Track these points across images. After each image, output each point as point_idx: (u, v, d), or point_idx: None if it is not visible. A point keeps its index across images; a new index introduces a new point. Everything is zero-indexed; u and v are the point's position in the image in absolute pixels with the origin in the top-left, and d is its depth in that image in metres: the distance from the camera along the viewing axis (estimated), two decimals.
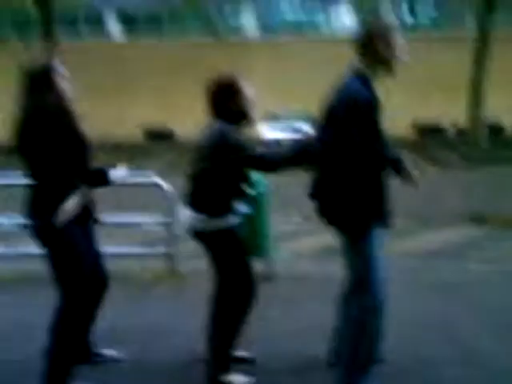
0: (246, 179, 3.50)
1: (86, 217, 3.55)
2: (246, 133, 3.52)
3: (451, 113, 24.69)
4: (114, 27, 27.82)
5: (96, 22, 27.40)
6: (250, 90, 3.49)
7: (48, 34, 21.41)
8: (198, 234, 3.48)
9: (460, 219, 8.74)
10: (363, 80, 3.17)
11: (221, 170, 3.38)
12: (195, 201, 3.45)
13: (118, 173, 3.67)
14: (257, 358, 3.82)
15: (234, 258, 3.49)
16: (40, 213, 3.38)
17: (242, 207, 3.51)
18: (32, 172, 3.40)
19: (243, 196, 3.49)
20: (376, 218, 3.19)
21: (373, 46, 3.17)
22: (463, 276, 5.77)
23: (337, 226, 3.28)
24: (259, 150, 3.40)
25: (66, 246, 3.40)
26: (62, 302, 3.45)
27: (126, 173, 3.71)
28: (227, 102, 3.44)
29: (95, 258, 3.63)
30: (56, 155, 3.33)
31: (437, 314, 4.67)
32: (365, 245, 3.21)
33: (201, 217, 3.42)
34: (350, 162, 3.12)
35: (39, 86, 3.41)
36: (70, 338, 3.45)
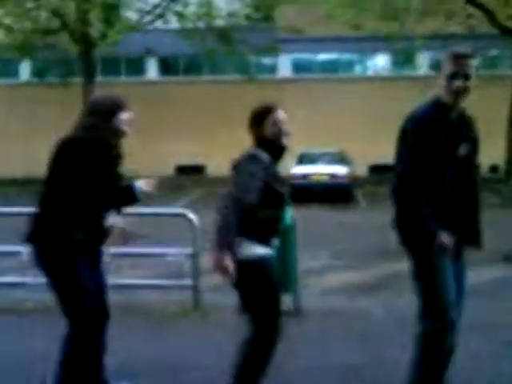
0: (278, 211, 3.43)
1: (98, 244, 3.51)
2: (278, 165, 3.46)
3: (490, 153, 24.40)
4: (152, 68, 28.42)
5: (135, 63, 28.06)
6: (283, 118, 3.45)
7: (89, 77, 22.08)
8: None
9: (494, 258, 8.53)
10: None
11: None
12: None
13: (143, 183, 3.60)
14: None
15: (260, 291, 3.38)
16: (46, 242, 3.35)
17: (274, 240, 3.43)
18: (45, 200, 3.38)
19: (274, 227, 3.41)
20: (443, 244, 3.23)
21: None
22: (499, 315, 5.56)
23: (407, 249, 3.36)
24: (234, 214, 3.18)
25: (69, 276, 3.36)
26: (69, 332, 3.41)
27: (156, 183, 3.64)
28: (258, 128, 3.42)
29: (100, 287, 3.56)
30: (77, 186, 3.31)
31: (477, 355, 4.46)
32: (432, 269, 3.27)
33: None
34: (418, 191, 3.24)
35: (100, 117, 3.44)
36: (81, 370, 3.38)
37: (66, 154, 3.38)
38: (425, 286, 3.32)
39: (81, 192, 3.32)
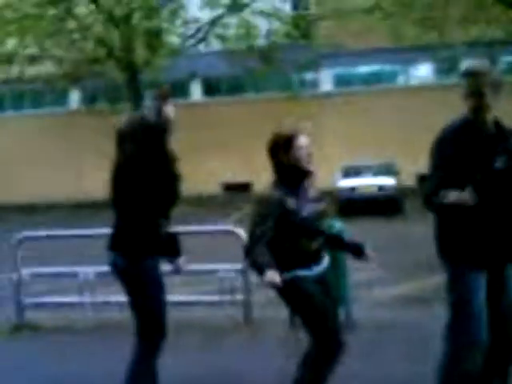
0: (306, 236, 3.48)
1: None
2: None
3: None
4: (196, 90, 28.88)
5: (180, 87, 28.60)
6: (305, 142, 3.46)
7: (136, 102, 22.61)
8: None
9: None
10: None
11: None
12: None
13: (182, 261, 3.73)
14: None
15: (302, 309, 3.48)
16: (127, 254, 3.50)
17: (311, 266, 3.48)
18: (121, 216, 3.54)
19: (304, 252, 3.46)
20: (472, 257, 3.24)
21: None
22: None
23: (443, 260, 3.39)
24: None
25: (148, 287, 3.50)
26: (139, 350, 3.52)
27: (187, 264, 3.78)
28: (278, 156, 3.47)
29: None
30: (145, 200, 3.46)
31: None
32: (460, 282, 3.26)
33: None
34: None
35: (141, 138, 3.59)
36: None
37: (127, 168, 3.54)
38: (455, 300, 3.31)
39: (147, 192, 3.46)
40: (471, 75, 3.26)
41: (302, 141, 3.46)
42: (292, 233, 3.43)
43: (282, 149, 3.45)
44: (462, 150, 3.22)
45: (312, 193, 3.55)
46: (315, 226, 3.52)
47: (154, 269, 3.53)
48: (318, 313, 3.46)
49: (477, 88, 3.23)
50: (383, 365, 4.55)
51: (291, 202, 3.41)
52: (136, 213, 3.47)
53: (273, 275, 3.18)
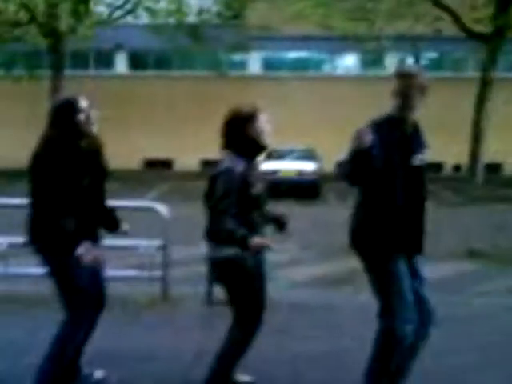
0: (257, 209, 3.54)
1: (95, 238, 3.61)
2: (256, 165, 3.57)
3: (453, 152, 24.77)
4: (122, 63, 28.25)
5: (104, 58, 27.86)
6: (265, 120, 3.55)
7: (58, 70, 21.85)
8: (212, 264, 3.58)
9: (458, 254, 8.76)
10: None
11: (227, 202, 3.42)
12: (207, 230, 3.53)
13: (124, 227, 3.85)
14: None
15: (242, 287, 3.53)
16: (42, 236, 3.45)
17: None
18: (35, 198, 3.46)
19: (254, 226, 3.51)
20: (396, 245, 3.41)
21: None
22: (463, 309, 5.76)
23: (360, 253, 3.51)
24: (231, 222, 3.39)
25: (68, 261, 3.45)
26: (66, 323, 3.51)
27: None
28: (241, 130, 3.50)
29: (99, 277, 3.68)
30: (59, 188, 3.39)
31: (438, 348, 4.63)
32: (387, 271, 3.42)
33: (210, 245, 3.49)
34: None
35: (58, 120, 3.51)
36: (65, 358, 3.47)
37: (41, 162, 3.46)
38: (384, 288, 3.48)
39: (65, 187, 3.41)
40: (402, 76, 3.44)
41: (264, 117, 3.56)
42: (248, 206, 3.46)
43: (245, 122, 3.49)
44: (383, 144, 3.36)
45: (259, 168, 3.64)
46: (265, 199, 3.61)
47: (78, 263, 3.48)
48: (254, 289, 3.55)
49: (406, 89, 3.42)
50: (298, 344, 4.65)
51: (250, 175, 3.46)
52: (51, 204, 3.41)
53: (261, 240, 3.34)
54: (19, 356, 4.19)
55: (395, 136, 3.42)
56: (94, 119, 3.59)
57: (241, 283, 3.51)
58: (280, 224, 3.74)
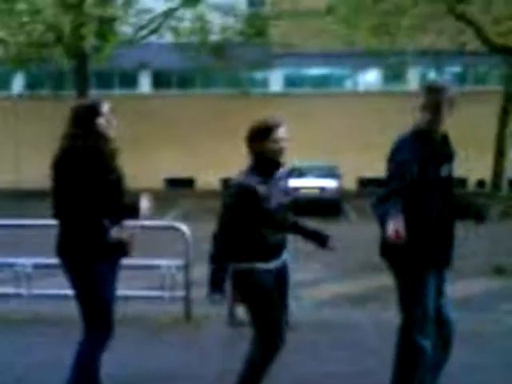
0: (272, 227, 3.50)
1: (117, 254, 3.58)
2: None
3: (478, 168, 24.49)
4: (145, 82, 28.54)
5: (129, 78, 28.18)
6: (284, 136, 3.51)
7: (83, 90, 22.11)
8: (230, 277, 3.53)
9: (484, 271, 8.66)
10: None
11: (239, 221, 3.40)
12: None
13: (144, 205, 3.70)
14: None
15: (253, 302, 3.48)
16: (69, 251, 3.44)
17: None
18: (59, 211, 3.44)
19: (266, 243, 3.48)
20: (429, 259, 3.42)
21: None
22: (491, 327, 5.65)
23: (391, 264, 3.52)
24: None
25: (94, 283, 3.44)
26: (86, 338, 3.49)
27: (151, 203, 3.75)
28: (259, 143, 3.48)
29: (113, 297, 3.64)
30: (84, 195, 3.37)
31: (465, 364, 4.53)
32: (416, 285, 3.42)
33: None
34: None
35: (78, 121, 3.51)
36: (89, 375, 3.47)
37: (62, 165, 3.46)
38: (409, 300, 3.47)
39: (84, 200, 3.39)
40: (432, 91, 3.45)
41: (282, 132, 3.51)
42: (259, 222, 3.43)
43: (261, 137, 3.47)
44: (416, 158, 3.38)
45: (281, 185, 3.59)
46: (282, 217, 3.55)
47: (103, 271, 3.47)
48: (268, 308, 3.48)
49: (435, 103, 3.43)
50: (322, 364, 4.59)
51: (262, 190, 3.42)
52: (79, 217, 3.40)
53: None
54: (44, 375, 4.19)
55: (428, 151, 3.44)
56: (114, 124, 3.59)
57: (255, 297, 3.46)
58: (320, 239, 3.69)
